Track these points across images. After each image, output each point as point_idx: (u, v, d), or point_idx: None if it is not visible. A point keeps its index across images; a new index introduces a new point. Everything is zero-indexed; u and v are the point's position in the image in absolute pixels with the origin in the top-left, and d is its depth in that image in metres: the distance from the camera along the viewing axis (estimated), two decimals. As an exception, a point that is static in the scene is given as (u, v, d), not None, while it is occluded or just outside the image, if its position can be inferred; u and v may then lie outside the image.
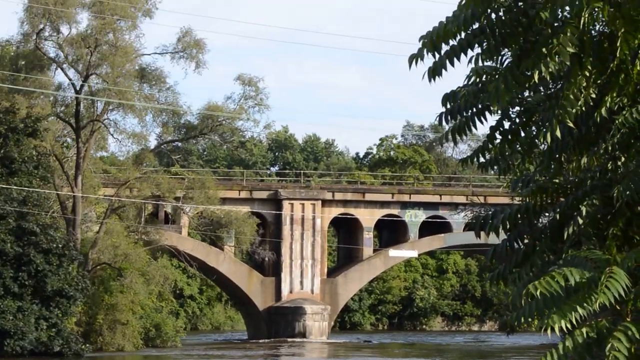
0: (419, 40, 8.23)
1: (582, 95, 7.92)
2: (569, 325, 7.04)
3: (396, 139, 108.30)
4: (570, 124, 7.98)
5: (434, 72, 8.28)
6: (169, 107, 54.83)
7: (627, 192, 7.85)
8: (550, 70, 7.66)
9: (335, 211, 67.27)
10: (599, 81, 8.12)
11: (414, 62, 8.23)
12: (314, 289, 65.42)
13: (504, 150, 9.03)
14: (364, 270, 67.53)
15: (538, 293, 7.09)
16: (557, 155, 8.74)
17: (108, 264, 52.63)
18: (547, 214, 9.05)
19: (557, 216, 8.65)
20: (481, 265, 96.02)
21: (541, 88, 8.85)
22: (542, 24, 7.97)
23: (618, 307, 7.24)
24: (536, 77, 7.72)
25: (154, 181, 53.50)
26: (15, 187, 45.59)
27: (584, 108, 8.06)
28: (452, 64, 8.26)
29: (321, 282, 65.86)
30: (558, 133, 7.91)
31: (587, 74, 7.91)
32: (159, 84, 54.73)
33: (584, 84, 7.90)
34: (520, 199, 9.46)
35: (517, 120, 8.97)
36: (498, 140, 9.01)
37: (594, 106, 8.21)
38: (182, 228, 62.13)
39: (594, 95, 8.12)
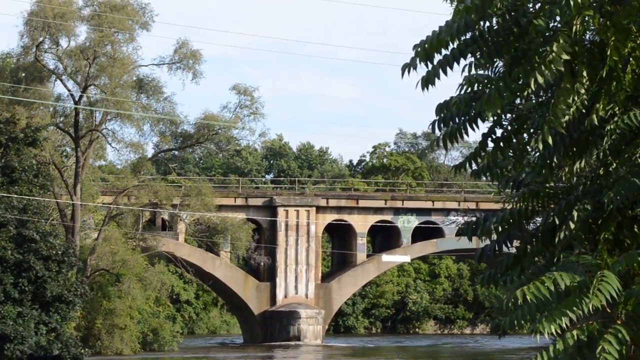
0: (413, 49, 8.23)
1: (574, 102, 7.95)
2: (558, 330, 7.10)
3: (389, 146, 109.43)
4: (562, 130, 8.01)
5: (427, 81, 8.29)
6: (166, 116, 55.53)
7: (618, 198, 7.90)
8: (543, 78, 7.72)
9: (329, 217, 68.17)
10: (588, 88, 8.15)
11: (406, 71, 8.25)
12: (308, 293, 66.27)
13: (496, 157, 9.05)
14: (358, 275, 68.34)
15: (529, 298, 7.17)
16: (549, 161, 8.68)
17: (106, 270, 53.46)
18: (537, 219, 9.14)
19: (549, 220, 8.69)
20: (473, 270, 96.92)
21: (532, 96, 8.84)
22: (535, 32, 8.00)
23: (609, 310, 7.32)
24: (532, 84, 7.76)
25: (152, 189, 54.31)
26: (15, 196, 45.43)
27: (575, 115, 8.11)
28: (445, 73, 8.28)
29: (315, 287, 66.69)
30: (549, 139, 7.95)
31: (582, 81, 7.95)
32: (156, 94, 55.30)
33: (582, 90, 7.96)
34: (511, 204, 9.46)
35: (509, 127, 8.97)
36: (490, 147, 9.03)
37: (585, 113, 8.22)
38: (179, 234, 63.03)
39: (585, 102, 8.15)
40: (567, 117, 7.88)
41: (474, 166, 9.36)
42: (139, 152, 55.79)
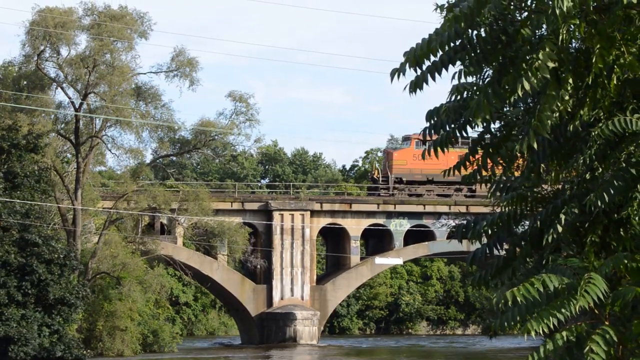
0: (403, 56, 8.32)
1: (559, 108, 8.04)
2: (546, 330, 7.22)
3: (381, 151, 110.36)
4: (547, 136, 8.09)
5: (416, 85, 8.39)
6: (164, 123, 56.33)
7: (599, 201, 8.00)
8: (530, 85, 7.83)
9: (323, 221, 68.71)
10: (572, 95, 8.25)
11: (396, 76, 8.32)
12: (304, 295, 66.86)
13: (485, 163, 9.15)
14: (352, 278, 68.94)
15: (519, 300, 7.35)
16: (537, 166, 8.85)
17: (107, 273, 54.23)
18: (525, 222, 9.30)
19: (538, 224, 8.79)
20: (464, 272, 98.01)
21: (520, 103, 8.99)
22: (522, 40, 8.12)
23: (596, 311, 7.46)
24: (519, 91, 7.83)
25: (150, 194, 55.15)
26: (18, 201, 45.85)
27: (559, 121, 8.21)
28: (433, 78, 8.35)
29: (311, 289, 67.25)
30: (534, 144, 7.99)
31: (568, 88, 8.07)
32: (154, 101, 56.06)
33: (566, 97, 8.06)
34: (501, 208, 9.59)
35: (498, 134, 9.12)
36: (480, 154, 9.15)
37: (570, 119, 8.37)
38: (177, 238, 63.47)
39: (569, 109, 8.26)
40: (551, 123, 7.98)
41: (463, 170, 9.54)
42: (138, 158, 56.60)
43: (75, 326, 50.57)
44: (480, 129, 9.06)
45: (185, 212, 57.42)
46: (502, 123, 9.27)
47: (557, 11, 7.65)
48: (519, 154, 8.76)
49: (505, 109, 9.21)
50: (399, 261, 72.12)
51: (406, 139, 71.07)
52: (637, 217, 8.30)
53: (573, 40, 8.43)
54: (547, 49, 7.87)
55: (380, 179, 69.83)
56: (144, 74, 56.46)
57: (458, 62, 8.49)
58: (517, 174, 9.89)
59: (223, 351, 65.35)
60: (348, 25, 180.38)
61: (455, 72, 8.58)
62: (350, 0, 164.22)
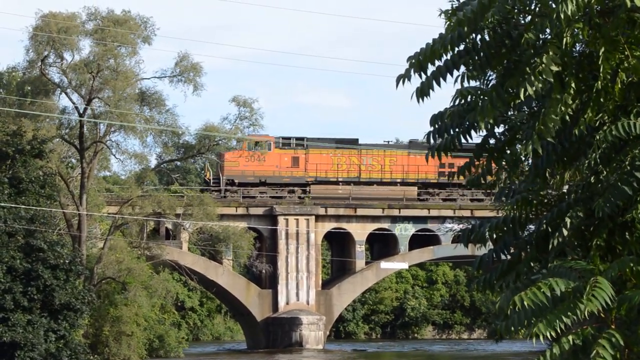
0: (407, 61, 8.31)
1: (563, 111, 8.09)
2: (554, 334, 7.26)
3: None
4: (551, 140, 8.15)
5: (422, 92, 8.40)
6: (168, 128, 56.32)
7: (607, 205, 8.07)
8: (534, 88, 7.87)
9: (328, 226, 68.65)
10: (575, 98, 8.31)
11: (401, 82, 8.34)
12: (309, 300, 66.84)
13: (490, 167, 9.20)
14: (357, 282, 68.91)
15: (526, 303, 7.36)
16: (542, 170, 8.88)
17: (112, 278, 54.10)
18: (531, 226, 9.32)
19: (543, 227, 8.82)
20: (469, 276, 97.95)
21: (525, 107, 9.02)
22: (525, 44, 8.14)
23: (603, 315, 7.47)
24: (522, 95, 7.88)
25: (155, 199, 55.14)
26: (23, 206, 45.96)
27: (561, 125, 8.25)
28: (439, 84, 8.38)
29: (316, 294, 67.21)
30: (539, 148, 8.07)
31: (571, 92, 8.11)
32: (158, 106, 55.94)
33: (570, 101, 8.09)
34: (506, 212, 9.62)
35: (502, 138, 9.18)
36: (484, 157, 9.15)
37: (575, 122, 8.41)
38: (182, 243, 63.58)
39: (571, 113, 8.30)
40: (556, 127, 8.04)
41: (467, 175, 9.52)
42: (142, 163, 56.47)
43: (82, 331, 50.60)
44: (482, 133, 9.05)
45: (190, 217, 57.48)
46: (506, 127, 9.28)
47: (561, 15, 7.69)
48: (523, 157, 8.73)
49: (509, 113, 9.21)
50: (404, 265, 72.16)
51: (239, 140, 69.87)
52: (643, 220, 8.33)
53: (577, 44, 8.44)
54: (551, 53, 7.91)
55: (212, 180, 68.74)
56: (148, 79, 56.51)
57: (462, 67, 8.49)
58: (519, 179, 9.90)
59: (229, 356, 65.38)
60: (349, 28, 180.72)
61: (458, 75, 8.59)
62: (352, 2, 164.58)
